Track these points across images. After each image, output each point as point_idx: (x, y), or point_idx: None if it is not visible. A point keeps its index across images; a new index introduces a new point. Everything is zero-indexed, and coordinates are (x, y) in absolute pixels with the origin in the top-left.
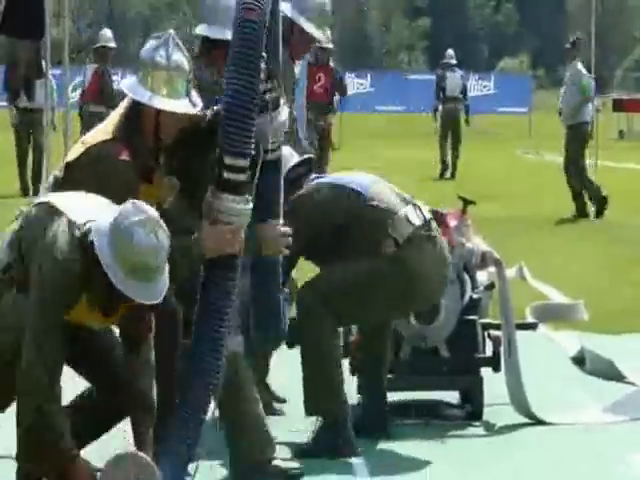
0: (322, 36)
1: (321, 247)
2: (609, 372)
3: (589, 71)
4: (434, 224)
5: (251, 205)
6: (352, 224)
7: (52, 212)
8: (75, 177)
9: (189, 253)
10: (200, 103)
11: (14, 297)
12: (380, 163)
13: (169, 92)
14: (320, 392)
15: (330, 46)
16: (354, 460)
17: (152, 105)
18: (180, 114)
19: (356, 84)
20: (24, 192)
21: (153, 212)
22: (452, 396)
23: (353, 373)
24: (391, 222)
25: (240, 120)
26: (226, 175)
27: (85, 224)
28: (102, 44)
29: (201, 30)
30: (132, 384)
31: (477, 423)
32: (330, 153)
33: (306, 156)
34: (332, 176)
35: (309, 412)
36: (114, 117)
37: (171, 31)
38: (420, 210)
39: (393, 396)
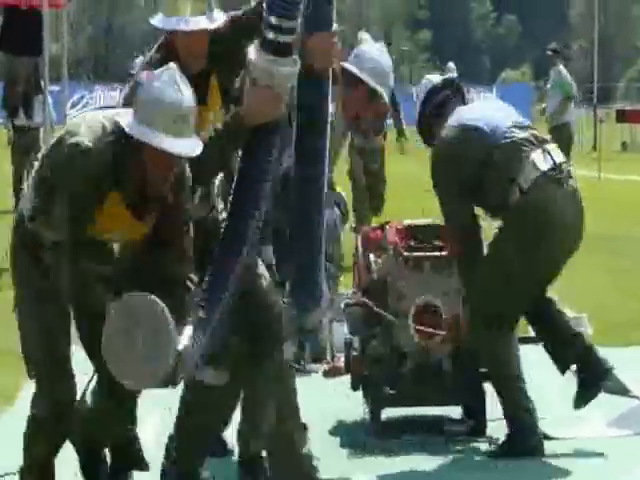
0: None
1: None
2: (613, 386)
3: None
4: (566, 167)
5: (298, 66)
6: (482, 169)
7: (67, 131)
8: None
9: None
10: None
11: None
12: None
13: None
14: (515, 397)
15: None
16: (356, 477)
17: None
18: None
19: None
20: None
21: (172, 66)
22: (455, 411)
23: (355, 388)
24: (518, 167)
25: None
26: (272, 36)
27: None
28: None
29: None
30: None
31: (480, 438)
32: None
33: (449, 76)
34: (464, 113)
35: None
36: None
37: None
38: (550, 154)
39: (395, 411)
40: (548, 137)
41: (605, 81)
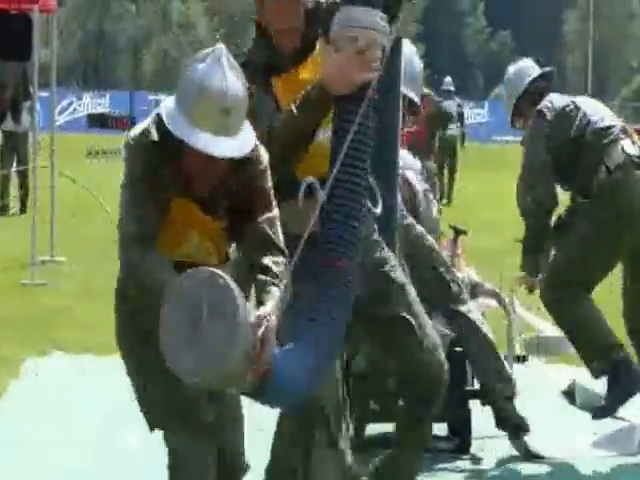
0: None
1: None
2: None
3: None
4: None
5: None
6: (574, 147)
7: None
8: None
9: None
10: None
11: None
12: None
13: None
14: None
15: None
16: None
17: None
18: None
19: None
20: (2, 210)
21: (219, 46)
22: (440, 428)
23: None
24: (608, 149)
25: None
26: None
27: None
28: None
29: None
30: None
31: (465, 456)
32: None
33: (547, 69)
34: (561, 98)
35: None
36: None
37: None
38: (638, 145)
39: (379, 428)
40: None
41: (599, 99)
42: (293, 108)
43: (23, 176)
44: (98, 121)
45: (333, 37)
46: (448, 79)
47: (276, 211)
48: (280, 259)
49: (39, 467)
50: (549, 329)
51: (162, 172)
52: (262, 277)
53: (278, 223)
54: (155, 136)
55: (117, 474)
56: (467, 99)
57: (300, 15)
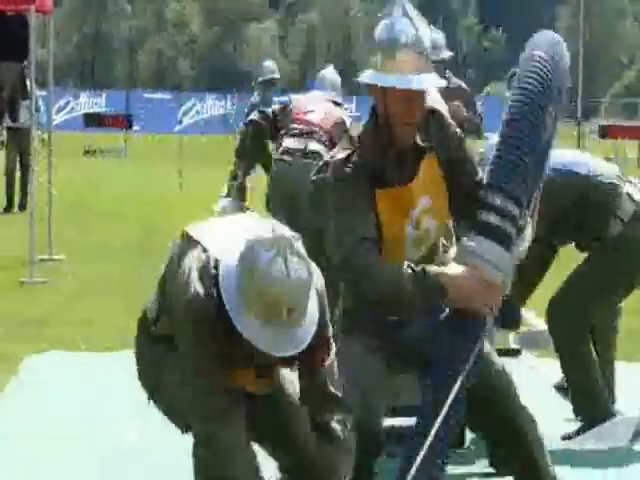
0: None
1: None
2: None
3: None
4: None
5: (514, 262)
6: (577, 207)
7: (187, 242)
8: None
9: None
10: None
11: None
12: None
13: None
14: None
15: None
16: None
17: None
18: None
19: None
20: (9, 206)
21: (286, 233)
22: None
23: None
24: (616, 202)
25: (518, 156)
26: (491, 219)
27: (218, 256)
28: (270, 76)
29: None
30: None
31: (459, 450)
32: None
33: None
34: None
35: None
36: None
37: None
38: (637, 186)
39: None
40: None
41: (589, 96)
42: (407, 278)
43: (26, 173)
44: (95, 120)
45: (467, 262)
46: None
47: (333, 351)
48: (342, 416)
49: (37, 462)
50: (541, 323)
51: (226, 343)
52: (329, 450)
53: (335, 364)
54: (213, 307)
55: (115, 469)
56: None
57: (423, 111)
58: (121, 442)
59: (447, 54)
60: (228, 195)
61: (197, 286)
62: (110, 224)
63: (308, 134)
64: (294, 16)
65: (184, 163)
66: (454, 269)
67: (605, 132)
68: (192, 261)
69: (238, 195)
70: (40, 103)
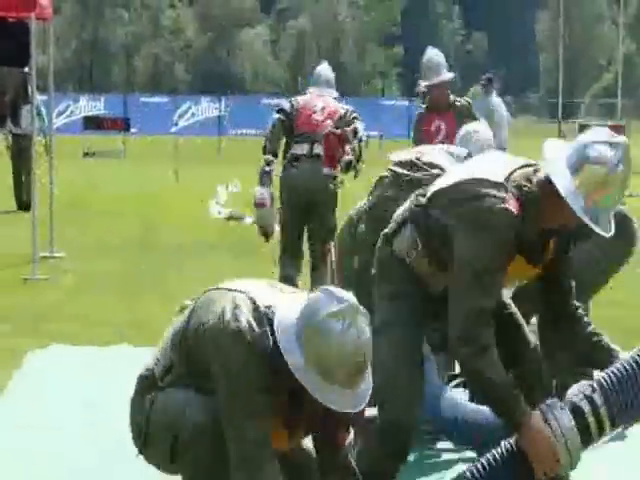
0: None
1: None
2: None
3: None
4: None
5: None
6: None
7: (224, 292)
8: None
9: None
10: None
11: (169, 394)
12: None
13: None
14: None
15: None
16: None
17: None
18: None
19: None
20: (19, 208)
21: (350, 297)
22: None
23: None
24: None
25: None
26: (585, 409)
27: (268, 306)
28: None
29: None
30: None
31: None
32: None
33: None
34: None
35: None
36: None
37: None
38: None
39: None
40: None
41: (570, 97)
42: (507, 389)
43: (29, 177)
44: (94, 123)
45: (549, 422)
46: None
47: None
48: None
49: (40, 452)
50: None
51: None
52: None
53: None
54: (268, 346)
55: (116, 460)
56: None
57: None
58: (122, 433)
59: (448, 75)
60: (262, 184)
61: (249, 319)
62: (109, 222)
63: (313, 138)
64: (285, 21)
65: (180, 163)
66: (538, 420)
67: (583, 131)
68: (236, 300)
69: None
70: (42, 108)
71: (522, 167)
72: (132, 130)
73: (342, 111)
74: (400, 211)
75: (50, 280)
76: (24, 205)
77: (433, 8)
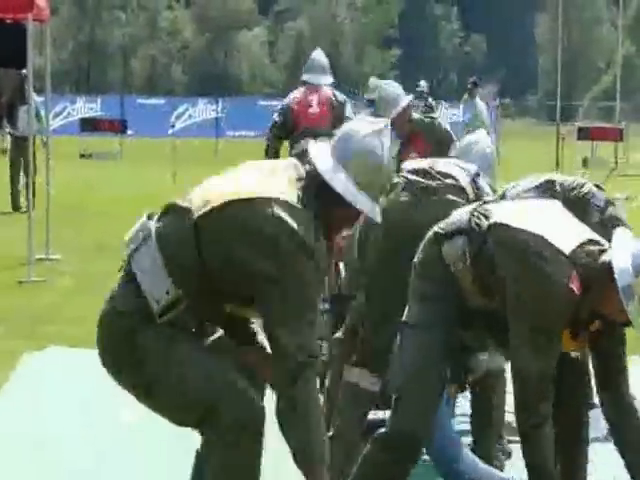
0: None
1: None
2: None
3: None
4: None
5: None
6: None
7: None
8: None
9: None
10: None
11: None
12: None
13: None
14: None
15: None
16: None
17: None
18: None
19: None
20: (15, 208)
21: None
22: None
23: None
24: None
25: None
26: None
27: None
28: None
29: None
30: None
31: None
32: None
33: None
34: None
35: None
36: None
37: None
38: None
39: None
40: None
41: (569, 100)
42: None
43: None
44: (91, 124)
45: None
46: (423, 82)
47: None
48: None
49: (36, 455)
50: None
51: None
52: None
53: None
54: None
55: (113, 461)
56: (443, 99)
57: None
58: (119, 436)
59: (402, 104)
60: None
61: (295, 211)
62: (106, 224)
63: (315, 133)
64: (283, 23)
65: (177, 165)
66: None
67: (585, 134)
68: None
69: None
70: (40, 109)
71: (590, 242)
72: (129, 132)
73: (334, 101)
74: (457, 217)
75: (46, 282)
76: (18, 208)
77: (431, 10)
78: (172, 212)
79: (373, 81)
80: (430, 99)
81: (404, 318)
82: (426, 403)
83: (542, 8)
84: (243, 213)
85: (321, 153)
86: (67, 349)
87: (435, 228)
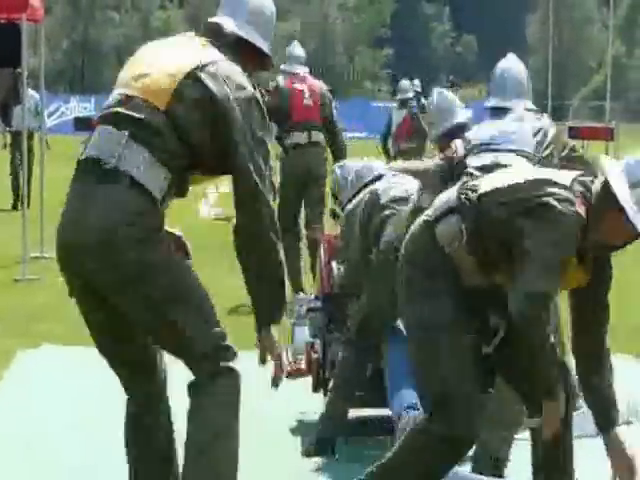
0: None
1: None
2: None
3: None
4: None
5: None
6: None
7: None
8: None
9: None
10: None
11: None
12: None
13: None
14: None
15: None
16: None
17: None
18: None
19: None
20: (14, 206)
21: None
22: None
23: (316, 390)
24: None
25: None
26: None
27: None
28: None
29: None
30: None
31: None
32: None
33: None
34: None
35: None
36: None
37: None
38: None
39: (357, 412)
40: None
41: (560, 99)
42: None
43: (28, 173)
44: (84, 124)
45: None
46: (416, 82)
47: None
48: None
49: (30, 453)
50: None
51: None
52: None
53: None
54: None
55: (106, 461)
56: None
57: None
58: (113, 435)
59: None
60: None
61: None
62: None
63: (309, 126)
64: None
65: None
66: (563, 401)
67: (575, 133)
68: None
69: None
70: (39, 105)
71: (579, 176)
72: None
73: (323, 96)
74: (444, 199)
75: (41, 280)
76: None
77: (423, 10)
78: (135, 110)
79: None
80: (423, 99)
81: (410, 319)
82: (470, 408)
83: (533, 8)
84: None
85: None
86: (61, 347)
87: (422, 217)
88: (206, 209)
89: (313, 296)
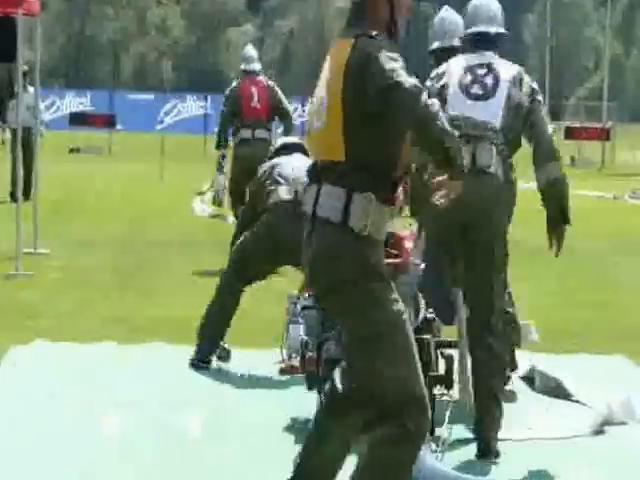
0: None
1: None
2: (557, 391)
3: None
4: None
5: None
6: None
7: None
8: None
9: None
10: None
11: None
12: None
13: None
14: None
15: None
16: None
17: None
18: None
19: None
20: (12, 198)
21: None
22: None
23: (310, 388)
24: None
25: None
26: None
27: None
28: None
29: None
30: None
31: (428, 437)
32: None
33: None
34: None
35: None
36: None
37: None
38: None
39: None
40: None
41: (556, 99)
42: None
43: (27, 169)
44: (80, 119)
45: None
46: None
47: None
48: None
49: (22, 450)
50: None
51: None
52: None
53: None
54: None
55: (99, 457)
56: None
57: None
58: (106, 429)
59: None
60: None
61: None
62: (94, 219)
63: (255, 124)
64: (273, 20)
65: (165, 161)
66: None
67: (572, 133)
68: None
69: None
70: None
71: None
72: (118, 127)
73: (270, 87)
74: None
75: (34, 276)
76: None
77: (420, 9)
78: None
79: None
80: None
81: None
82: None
83: (530, 9)
84: None
85: None
86: (54, 343)
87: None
88: (200, 207)
89: (307, 294)
